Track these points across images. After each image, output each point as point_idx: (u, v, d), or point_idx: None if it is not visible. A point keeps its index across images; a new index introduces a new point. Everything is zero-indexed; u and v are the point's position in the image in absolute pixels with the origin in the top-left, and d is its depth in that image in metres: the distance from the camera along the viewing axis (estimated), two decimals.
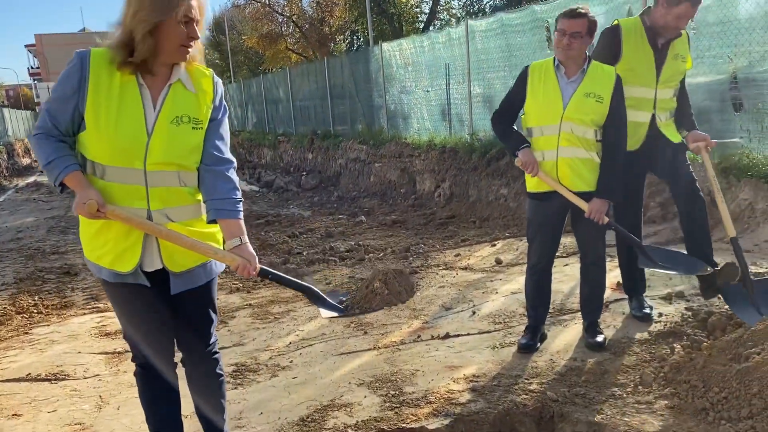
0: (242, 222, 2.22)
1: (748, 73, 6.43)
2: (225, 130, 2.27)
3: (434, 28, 30.33)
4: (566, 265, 5.33)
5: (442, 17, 30.75)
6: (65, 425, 3.08)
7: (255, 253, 2.22)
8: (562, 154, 3.32)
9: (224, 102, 2.27)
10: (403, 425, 2.81)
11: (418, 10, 29.69)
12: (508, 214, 8.41)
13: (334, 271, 5.94)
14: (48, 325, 4.82)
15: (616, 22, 3.69)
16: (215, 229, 2.27)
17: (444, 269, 5.63)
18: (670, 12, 3.46)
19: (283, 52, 33.43)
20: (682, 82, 3.77)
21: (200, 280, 2.29)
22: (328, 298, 2.79)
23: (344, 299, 3.05)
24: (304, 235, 8.60)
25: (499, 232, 7.31)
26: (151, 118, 2.09)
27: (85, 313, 5.11)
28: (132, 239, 2.13)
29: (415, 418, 2.86)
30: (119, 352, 4.05)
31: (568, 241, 6.24)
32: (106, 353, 4.07)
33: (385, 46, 13.74)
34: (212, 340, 2.42)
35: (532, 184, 3.45)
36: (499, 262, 5.68)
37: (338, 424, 2.86)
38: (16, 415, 3.22)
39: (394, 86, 13.54)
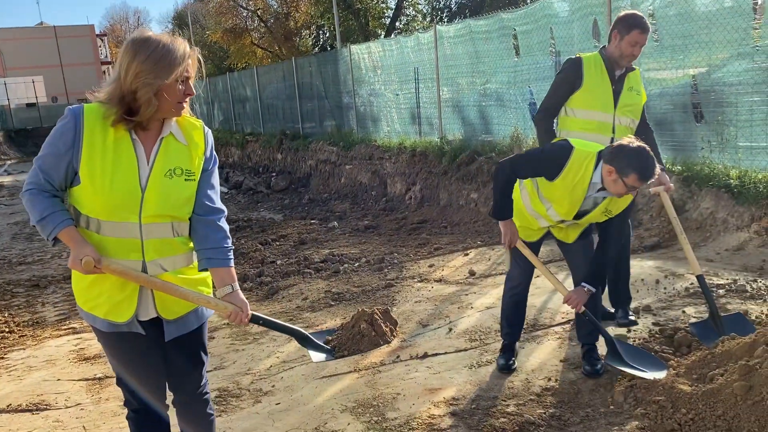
0: (233, 270, 2.29)
1: (708, 85, 6.67)
2: (216, 180, 2.31)
3: (400, 23, 30.42)
4: (537, 276, 5.47)
5: (408, 13, 30.86)
6: None
7: (246, 300, 2.29)
8: (553, 229, 3.59)
9: (215, 153, 2.32)
10: None
11: (384, 5, 29.73)
12: (479, 220, 8.56)
13: (310, 284, 6.00)
14: (24, 349, 4.79)
15: (579, 54, 3.97)
16: (206, 274, 2.33)
17: (419, 281, 5.74)
18: (623, 41, 3.75)
19: (248, 47, 33.10)
20: (643, 116, 4.01)
21: (192, 325, 2.34)
22: (317, 341, 2.86)
23: (330, 338, 3.12)
24: (277, 243, 8.62)
25: (471, 239, 7.45)
26: (144, 173, 2.13)
27: (60, 335, 5.08)
28: (128, 291, 2.17)
29: None
30: (99, 378, 4.06)
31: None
32: (87, 380, 4.07)
33: (354, 48, 13.77)
34: (203, 381, 2.47)
35: (524, 234, 3.53)
36: (472, 273, 5.81)
37: None
38: None
39: (364, 88, 13.59)
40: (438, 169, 10.10)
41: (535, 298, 4.88)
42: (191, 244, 2.28)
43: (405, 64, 11.92)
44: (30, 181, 2.11)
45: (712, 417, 2.84)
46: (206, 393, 2.50)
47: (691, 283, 4.82)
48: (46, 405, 3.73)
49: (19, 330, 5.52)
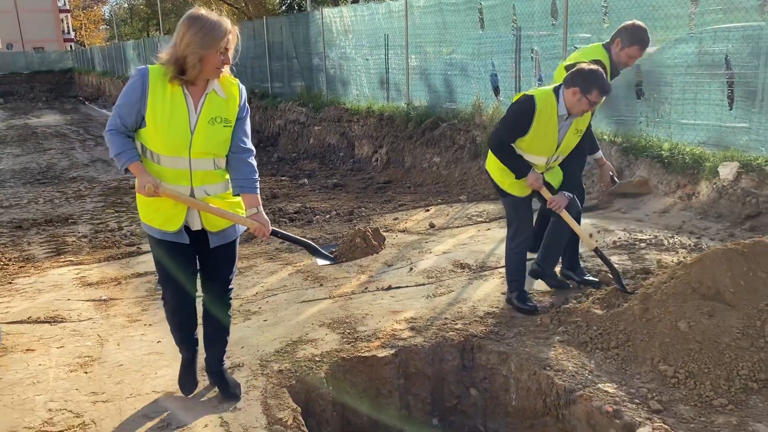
0: (258, 196, 2.97)
1: (649, 66, 7.42)
2: (248, 126, 2.97)
3: None
4: (488, 229, 6.22)
5: None
6: (76, 357, 3.69)
7: (268, 219, 2.98)
8: (546, 173, 4.10)
9: (247, 105, 2.97)
10: (359, 354, 3.60)
11: None
12: (440, 181, 9.26)
13: (286, 231, 6.59)
14: (29, 276, 5.29)
15: (596, 45, 4.51)
16: (239, 198, 3.00)
17: (385, 231, 6.39)
18: (626, 50, 4.30)
19: (214, 2, 32.72)
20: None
21: (231, 237, 3.04)
22: (323, 251, 3.58)
23: (334, 250, 3.82)
24: None
25: (432, 198, 8.14)
26: (193, 120, 2.78)
27: (61, 266, 5.59)
28: (179, 208, 2.87)
29: (368, 349, 3.65)
30: (105, 300, 4.63)
31: (490, 208, 7.14)
32: (94, 300, 4.64)
33: (326, 11, 14.13)
34: (231, 286, 3.16)
35: (519, 191, 4.07)
36: (432, 225, 6.51)
37: (307, 354, 3.62)
38: (30, 350, 3.80)
39: (334, 51, 13.99)
40: (404, 133, 10.71)
41: (485, 245, 5.62)
42: (227, 176, 2.95)
43: (376, 30, 12.38)
44: (110, 123, 2.77)
45: (615, 331, 3.60)
46: (231, 297, 3.19)
47: (619, 237, 5.62)
48: (62, 318, 4.29)
49: (11, 263, 5.98)
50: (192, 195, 2.85)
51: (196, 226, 2.94)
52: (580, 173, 4.24)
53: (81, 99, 34.05)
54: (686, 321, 3.37)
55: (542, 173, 4.06)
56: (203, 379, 3.36)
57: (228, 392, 3.20)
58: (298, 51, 15.59)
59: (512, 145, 3.95)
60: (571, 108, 3.80)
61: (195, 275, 3.05)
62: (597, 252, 4.21)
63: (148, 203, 2.88)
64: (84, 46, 58.18)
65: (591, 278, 4.53)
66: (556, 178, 4.16)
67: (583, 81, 3.70)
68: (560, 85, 3.88)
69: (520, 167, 3.97)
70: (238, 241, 3.12)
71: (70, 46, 58.38)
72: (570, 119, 3.89)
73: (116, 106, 2.79)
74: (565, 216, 4.07)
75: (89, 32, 69.48)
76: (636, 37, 4.26)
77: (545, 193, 4.05)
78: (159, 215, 2.88)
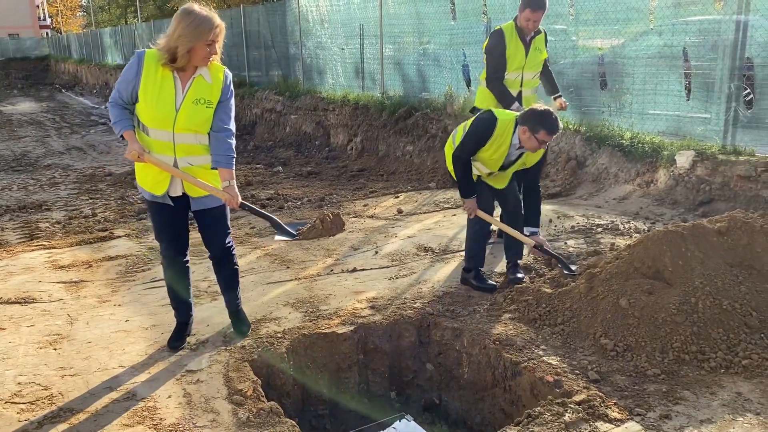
0: (233, 170, 3.30)
1: (612, 57, 7.64)
2: (230, 108, 3.29)
3: None
4: (454, 215, 6.41)
5: None
6: (45, 336, 3.82)
7: (239, 193, 3.33)
8: (490, 178, 4.40)
9: (231, 88, 3.28)
10: (319, 331, 3.77)
11: None
12: (412, 169, 9.43)
13: (257, 216, 6.73)
14: (1, 260, 5.37)
15: (498, 27, 5.02)
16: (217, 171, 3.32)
17: (354, 217, 6.57)
18: (521, 15, 4.87)
19: None
20: (545, 64, 5.17)
21: (212, 204, 3.43)
22: (285, 227, 3.81)
23: (301, 228, 4.02)
24: None
25: (403, 185, 8.31)
26: (179, 100, 3.19)
27: (33, 250, 5.67)
28: (163, 175, 3.31)
29: (328, 327, 3.82)
30: (75, 282, 4.74)
31: (457, 194, 7.33)
32: (64, 282, 4.74)
33: (302, 0, 14.17)
34: (228, 241, 3.53)
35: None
36: (400, 211, 6.68)
37: (270, 331, 3.78)
38: (0, 328, 3.91)
39: (311, 40, 14.06)
40: (378, 122, 10.85)
41: (449, 230, 5.81)
42: (209, 150, 3.29)
43: (351, 20, 12.47)
44: (112, 96, 3.24)
45: (562, 308, 3.81)
46: (232, 250, 3.58)
47: (577, 223, 5.84)
48: (33, 299, 4.40)
49: None
50: (175, 165, 3.21)
51: (176, 192, 3.36)
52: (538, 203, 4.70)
53: (58, 86, 33.63)
54: (627, 298, 3.59)
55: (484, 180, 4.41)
56: (170, 352, 3.54)
57: (238, 329, 3.75)
58: (275, 40, 15.62)
59: (470, 159, 4.20)
60: (523, 143, 4.06)
61: (180, 234, 3.48)
62: (538, 248, 4.38)
63: (141, 168, 3.34)
64: (60, 33, 57.27)
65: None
66: (500, 183, 4.41)
67: (532, 121, 3.96)
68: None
69: (467, 187, 4.24)
70: (226, 209, 3.47)
71: (46, 33, 57.50)
72: (522, 150, 4.14)
73: (117, 81, 3.22)
74: (521, 238, 4.31)
75: (66, 19, 68.33)
76: (525, 2, 4.82)
77: (482, 215, 4.32)
78: (148, 180, 3.34)
